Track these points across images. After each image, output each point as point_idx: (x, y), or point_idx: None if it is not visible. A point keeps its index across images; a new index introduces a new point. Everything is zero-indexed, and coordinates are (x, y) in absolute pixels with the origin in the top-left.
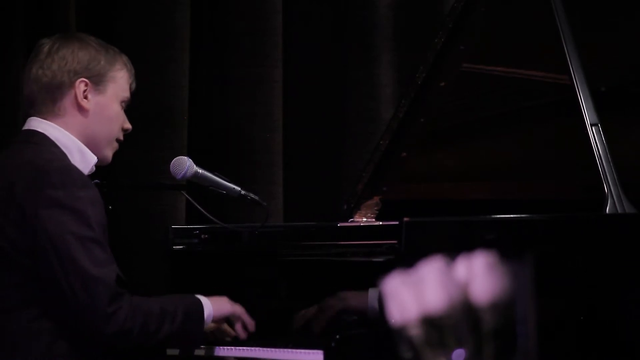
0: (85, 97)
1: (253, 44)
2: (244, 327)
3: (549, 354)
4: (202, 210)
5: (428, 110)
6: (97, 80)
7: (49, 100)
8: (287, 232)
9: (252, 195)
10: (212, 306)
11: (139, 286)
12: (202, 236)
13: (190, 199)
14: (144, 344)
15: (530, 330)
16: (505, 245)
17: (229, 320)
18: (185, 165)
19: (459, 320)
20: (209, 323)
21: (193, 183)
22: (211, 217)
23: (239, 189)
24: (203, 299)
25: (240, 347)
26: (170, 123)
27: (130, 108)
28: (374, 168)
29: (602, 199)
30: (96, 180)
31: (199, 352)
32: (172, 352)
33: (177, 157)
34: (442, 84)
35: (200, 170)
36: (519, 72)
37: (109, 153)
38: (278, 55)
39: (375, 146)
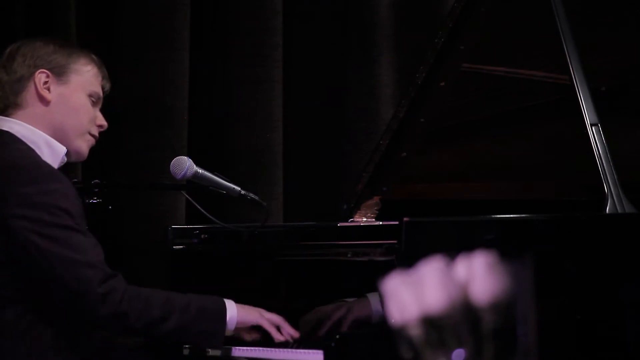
0: (47, 89)
1: (253, 44)
2: (281, 332)
3: (549, 354)
4: (202, 210)
5: (428, 110)
6: (59, 72)
7: (11, 95)
8: (287, 232)
9: (252, 195)
10: (237, 310)
11: (139, 286)
12: (202, 236)
13: (190, 199)
14: (149, 334)
15: (530, 330)
16: (505, 245)
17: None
18: (185, 165)
19: (459, 320)
20: (232, 326)
21: (193, 183)
22: (211, 217)
23: (239, 189)
24: (228, 301)
25: (240, 347)
26: (170, 123)
27: (131, 108)
28: (374, 168)
29: (602, 199)
30: (96, 180)
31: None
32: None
33: (177, 157)
34: (442, 84)
35: (200, 170)
36: (519, 72)
37: (81, 145)
38: (278, 56)
39: (375, 146)
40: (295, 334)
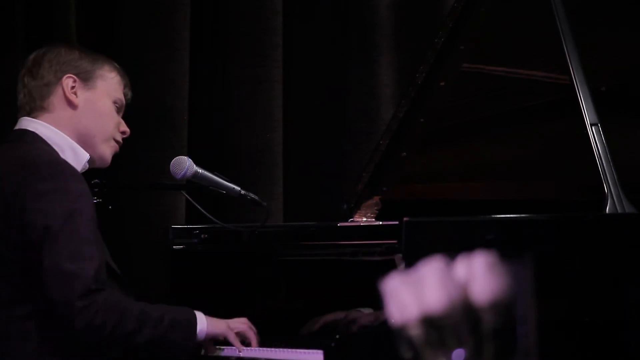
0: (74, 93)
1: (253, 44)
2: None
3: (549, 354)
4: (202, 210)
5: (428, 110)
6: (85, 77)
7: (38, 98)
8: (287, 232)
9: (252, 195)
10: (206, 323)
11: (139, 286)
12: (202, 236)
13: (190, 199)
14: (124, 345)
15: (530, 330)
16: (505, 245)
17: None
18: (185, 165)
19: (459, 320)
20: (202, 337)
21: (193, 183)
22: (211, 217)
23: (239, 189)
24: (198, 313)
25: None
26: (170, 123)
27: (131, 108)
28: (374, 168)
29: (602, 199)
30: (96, 180)
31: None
32: None
33: (177, 157)
34: (442, 84)
35: (200, 170)
36: (519, 72)
37: (105, 151)
38: (278, 56)
39: (375, 146)
40: (255, 345)
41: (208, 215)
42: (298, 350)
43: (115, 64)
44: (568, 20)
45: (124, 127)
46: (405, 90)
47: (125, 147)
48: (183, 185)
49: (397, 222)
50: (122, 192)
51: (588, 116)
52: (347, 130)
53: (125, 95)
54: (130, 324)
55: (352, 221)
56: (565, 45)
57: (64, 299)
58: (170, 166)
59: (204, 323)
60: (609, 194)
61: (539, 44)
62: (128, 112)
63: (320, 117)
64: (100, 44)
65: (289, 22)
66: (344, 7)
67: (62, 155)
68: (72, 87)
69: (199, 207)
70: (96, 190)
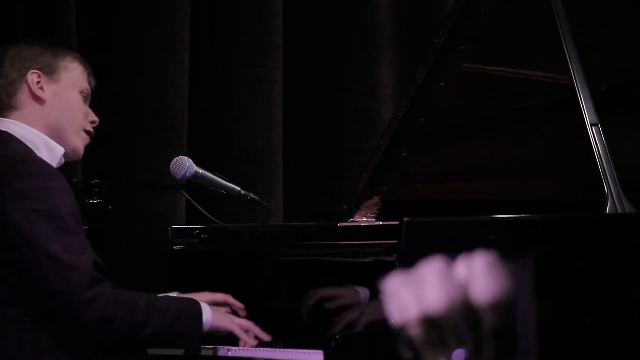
0: (41, 88)
1: (253, 44)
2: (255, 336)
3: (549, 354)
4: (202, 210)
5: (428, 110)
6: (49, 70)
7: (5, 98)
8: (287, 232)
9: (252, 195)
10: (211, 313)
11: (139, 286)
12: (202, 236)
13: (190, 199)
14: (132, 337)
15: (530, 330)
16: (505, 245)
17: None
18: (185, 165)
19: (459, 320)
20: (206, 328)
21: (193, 183)
22: (211, 217)
23: (239, 188)
24: (203, 304)
25: (240, 347)
26: (170, 123)
27: (131, 108)
28: (374, 168)
29: (602, 199)
30: (96, 180)
31: (203, 352)
32: (177, 352)
33: (177, 157)
34: (442, 84)
35: (200, 170)
36: (519, 72)
37: (77, 143)
38: (278, 56)
39: (375, 146)
40: (266, 337)
41: (208, 215)
42: (298, 350)
43: (77, 54)
44: (568, 20)
45: (93, 117)
46: (405, 90)
47: (126, 147)
48: (183, 185)
49: (397, 222)
50: (122, 192)
51: (588, 116)
52: (347, 130)
53: (89, 83)
54: (140, 316)
55: (352, 221)
56: (565, 45)
57: (71, 291)
58: (170, 166)
59: (208, 313)
60: (609, 194)
61: (539, 44)
62: (128, 111)
63: (320, 117)
64: (100, 44)
65: (289, 22)
66: (344, 7)
67: (37, 153)
68: (38, 82)
69: (199, 207)
70: (96, 190)
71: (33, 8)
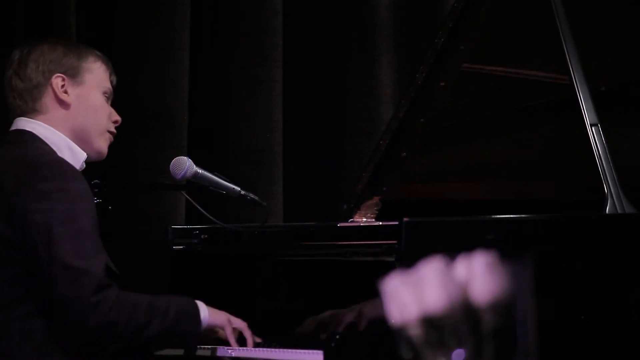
0: (65, 92)
1: (253, 44)
2: (243, 339)
3: (549, 354)
4: (202, 210)
5: (428, 110)
6: (73, 73)
7: (30, 101)
8: (287, 232)
9: (252, 195)
10: (208, 311)
11: (139, 286)
12: (202, 236)
13: (190, 199)
14: (134, 339)
15: (530, 330)
16: (505, 245)
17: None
18: (185, 165)
19: (459, 321)
20: (203, 326)
21: (193, 183)
22: (211, 217)
23: (239, 189)
24: (200, 303)
25: (240, 347)
26: (170, 123)
27: (132, 108)
28: (374, 168)
29: (602, 199)
30: (96, 180)
31: (201, 352)
32: (177, 352)
33: (177, 157)
34: (442, 84)
35: (200, 170)
36: (519, 72)
37: (102, 144)
38: (278, 56)
39: (375, 146)
40: (257, 340)
41: (208, 215)
42: (298, 350)
43: (98, 53)
44: (568, 20)
45: (116, 116)
46: (405, 90)
47: (126, 147)
48: (183, 186)
49: (397, 222)
50: (122, 192)
51: (588, 116)
52: (347, 130)
53: (111, 82)
54: (142, 318)
55: (352, 221)
56: (565, 45)
57: (77, 294)
58: (170, 166)
59: (205, 311)
60: (609, 194)
61: (539, 44)
62: (128, 111)
63: (320, 117)
64: (100, 44)
65: (289, 22)
66: (344, 7)
67: (60, 154)
68: (62, 86)
69: (198, 207)
70: (96, 190)
71: (33, 8)
